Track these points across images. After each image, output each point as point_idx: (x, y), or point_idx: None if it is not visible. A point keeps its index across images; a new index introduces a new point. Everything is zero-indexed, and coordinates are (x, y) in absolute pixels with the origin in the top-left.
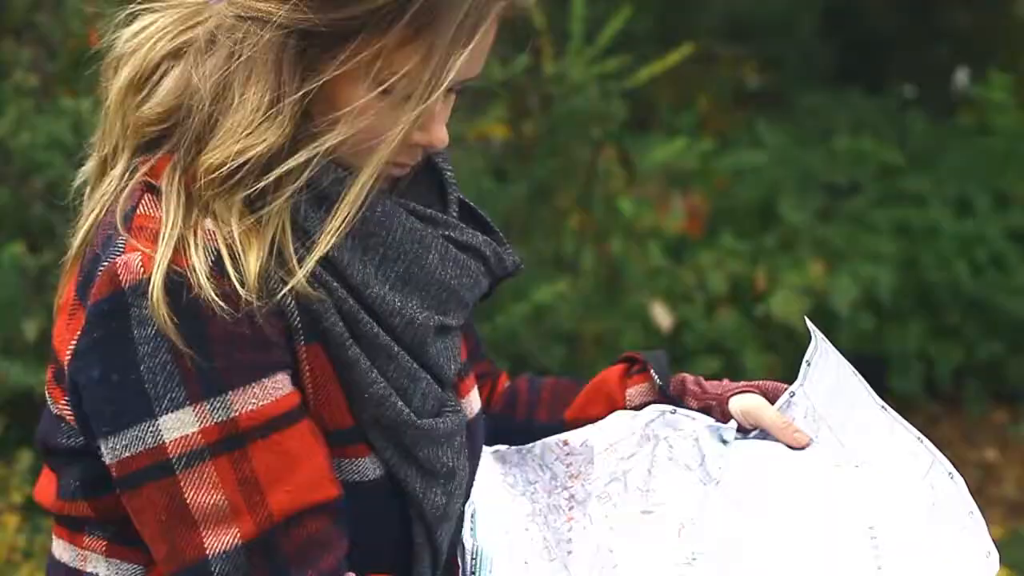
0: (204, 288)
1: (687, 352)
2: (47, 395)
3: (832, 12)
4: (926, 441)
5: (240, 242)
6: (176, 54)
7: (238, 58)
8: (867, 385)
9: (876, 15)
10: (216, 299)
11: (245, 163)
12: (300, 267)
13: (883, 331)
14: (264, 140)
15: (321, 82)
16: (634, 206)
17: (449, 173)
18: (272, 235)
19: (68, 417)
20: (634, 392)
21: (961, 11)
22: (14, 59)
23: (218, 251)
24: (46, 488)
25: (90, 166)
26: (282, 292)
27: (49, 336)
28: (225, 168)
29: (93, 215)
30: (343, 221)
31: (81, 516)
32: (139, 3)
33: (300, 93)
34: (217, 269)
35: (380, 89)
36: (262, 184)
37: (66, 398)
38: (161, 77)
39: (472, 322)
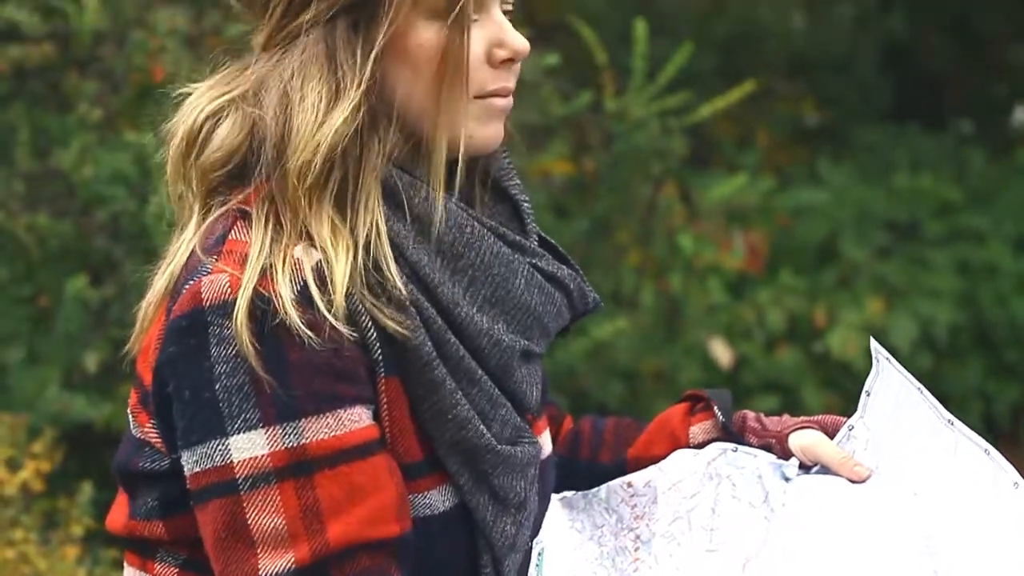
0: (289, 315)
1: (746, 389)
2: (131, 419)
3: (891, 49)
4: (993, 452)
5: (328, 259)
6: (219, 111)
7: (289, 74)
8: (932, 400)
9: (934, 52)
10: (301, 327)
11: (328, 156)
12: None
13: (941, 369)
14: (337, 125)
15: (380, 45)
16: (694, 243)
17: (527, 204)
18: (366, 245)
19: (154, 441)
20: (697, 430)
21: (1019, 47)
22: (78, 93)
23: (305, 280)
24: (118, 515)
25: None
26: (370, 325)
27: (110, 368)
28: (310, 168)
29: (174, 260)
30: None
31: (154, 538)
32: (184, 94)
33: (366, 68)
34: (303, 297)
35: (433, 19)
36: (358, 175)
37: (152, 421)
38: (211, 131)
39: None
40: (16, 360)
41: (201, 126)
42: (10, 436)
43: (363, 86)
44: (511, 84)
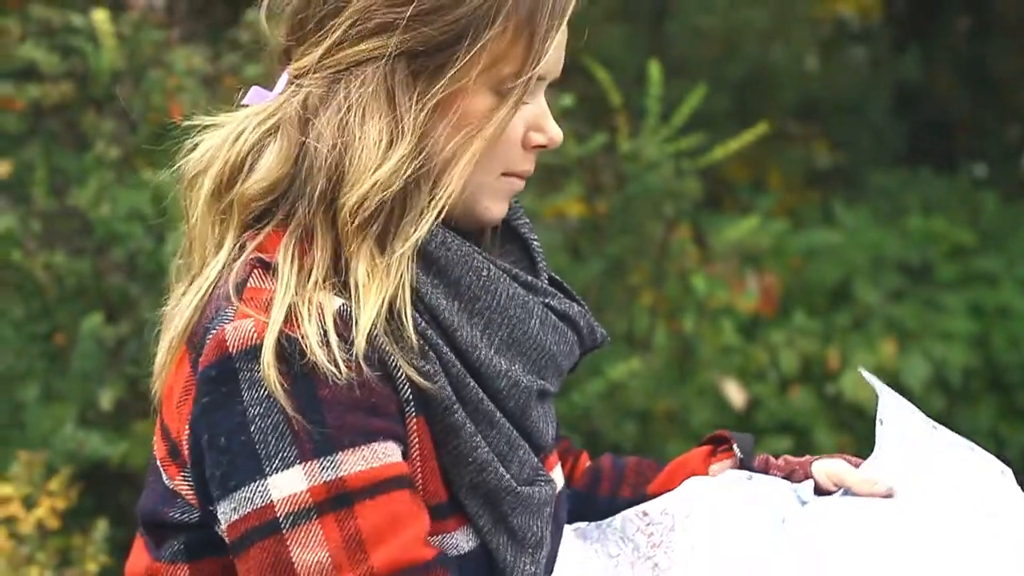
0: (316, 355)
1: (759, 431)
2: (161, 471)
3: (904, 92)
4: (977, 449)
5: (356, 299)
6: (265, 137)
7: (348, 105)
8: (928, 421)
9: (947, 95)
10: (328, 365)
11: (383, 196)
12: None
13: (954, 411)
14: (395, 166)
15: (439, 95)
16: (707, 284)
17: (536, 244)
18: (394, 291)
19: (185, 493)
20: (717, 468)
21: None
22: (95, 131)
23: (330, 322)
24: (138, 559)
25: (176, 264)
26: (396, 366)
27: (126, 406)
28: (364, 204)
29: (195, 300)
30: (440, 208)
31: None
32: (202, 127)
33: (420, 115)
34: (329, 338)
35: (491, 90)
36: (401, 219)
37: (182, 474)
38: (253, 162)
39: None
40: (32, 398)
41: (247, 154)
42: (26, 473)
43: (418, 132)
44: (532, 168)
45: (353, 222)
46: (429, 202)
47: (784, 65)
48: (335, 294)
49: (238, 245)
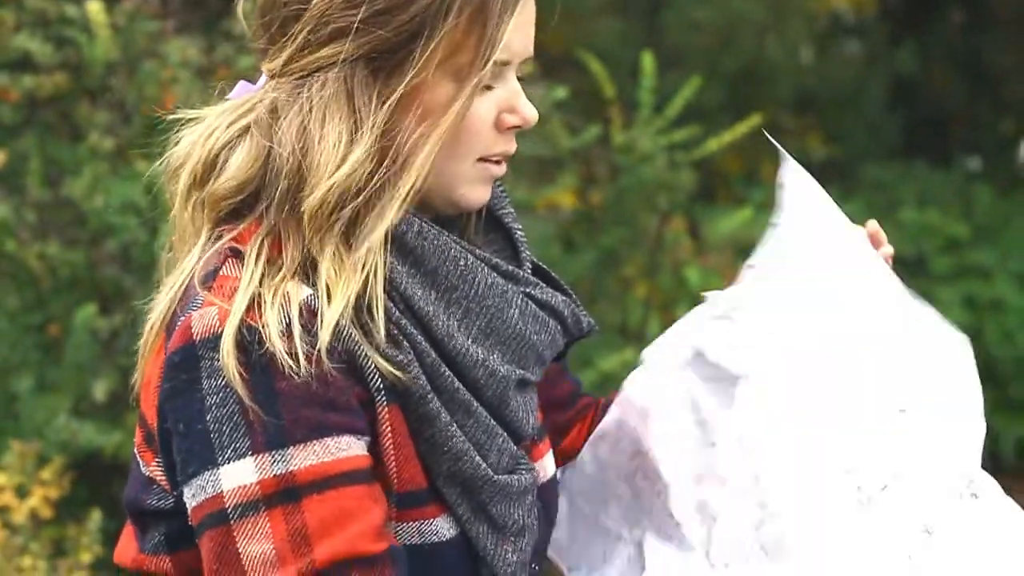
0: (275, 346)
1: None
2: (138, 458)
3: (899, 85)
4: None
5: (323, 294)
6: (236, 138)
7: (309, 108)
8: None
9: (942, 89)
10: (286, 358)
11: (343, 195)
12: (384, 321)
13: None
14: (354, 166)
15: (400, 92)
16: (701, 276)
17: (520, 233)
18: (363, 282)
19: (159, 479)
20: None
21: None
22: (89, 122)
23: (293, 313)
24: (126, 548)
25: (165, 257)
26: (364, 357)
27: (119, 397)
28: (324, 204)
29: (173, 290)
30: (412, 187)
31: (161, 573)
32: (186, 120)
33: (380, 112)
34: (290, 329)
35: (452, 80)
36: (381, 218)
37: (156, 460)
38: (227, 158)
39: (567, 368)
40: (26, 388)
41: (218, 153)
42: (19, 463)
43: (378, 130)
44: (512, 149)
45: (315, 221)
46: (392, 196)
47: (779, 58)
48: (305, 285)
49: (214, 236)
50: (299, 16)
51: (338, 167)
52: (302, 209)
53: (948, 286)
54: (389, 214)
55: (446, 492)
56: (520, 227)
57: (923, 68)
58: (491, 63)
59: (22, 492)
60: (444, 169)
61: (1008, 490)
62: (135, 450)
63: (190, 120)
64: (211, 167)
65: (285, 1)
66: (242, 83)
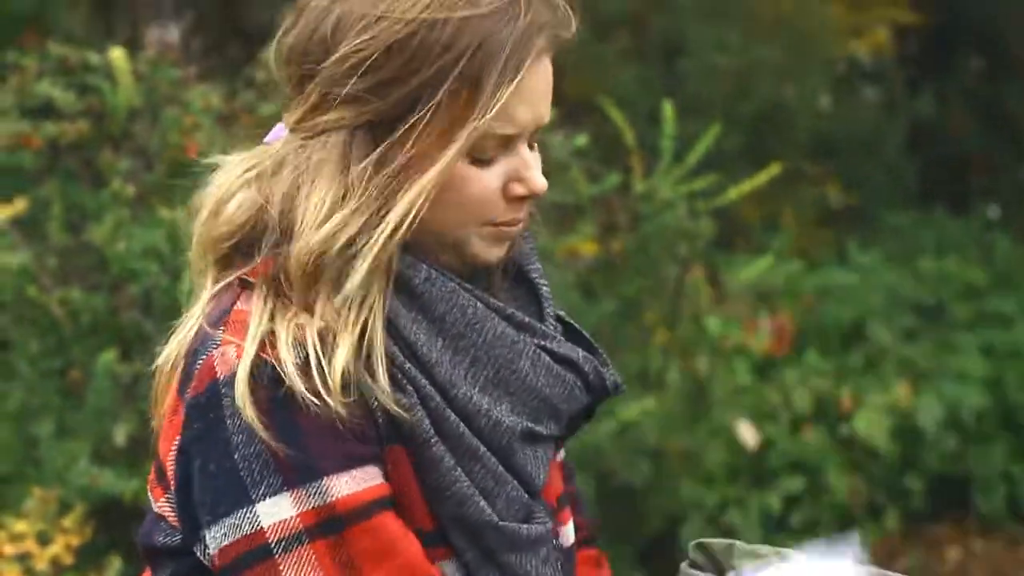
0: (294, 382)
1: (771, 471)
2: (149, 495)
3: (917, 132)
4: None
5: (331, 338)
6: (237, 189)
7: (307, 167)
8: None
9: (960, 135)
10: (305, 393)
11: (323, 253)
12: (387, 365)
13: (967, 452)
14: (335, 229)
15: (400, 161)
16: (721, 324)
17: (545, 289)
18: (364, 331)
19: (168, 516)
20: None
21: None
22: (112, 169)
23: (306, 349)
24: None
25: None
26: (372, 397)
27: (140, 442)
28: (308, 259)
29: (186, 328)
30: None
31: None
32: (211, 167)
33: (376, 179)
34: (306, 365)
35: (443, 144)
36: (355, 271)
37: (166, 496)
38: (224, 205)
39: (581, 498)
40: (47, 433)
41: (225, 198)
42: (41, 510)
43: (369, 197)
44: (522, 216)
45: (303, 272)
46: (377, 241)
47: (797, 104)
48: (317, 319)
49: (222, 278)
50: (313, 76)
51: (319, 226)
52: (289, 263)
53: (967, 333)
54: (362, 266)
55: (453, 536)
56: (546, 283)
57: (941, 114)
58: (479, 133)
59: (44, 539)
60: (454, 231)
61: None
62: (148, 487)
63: (217, 164)
64: (216, 212)
65: (302, 59)
66: (279, 126)
